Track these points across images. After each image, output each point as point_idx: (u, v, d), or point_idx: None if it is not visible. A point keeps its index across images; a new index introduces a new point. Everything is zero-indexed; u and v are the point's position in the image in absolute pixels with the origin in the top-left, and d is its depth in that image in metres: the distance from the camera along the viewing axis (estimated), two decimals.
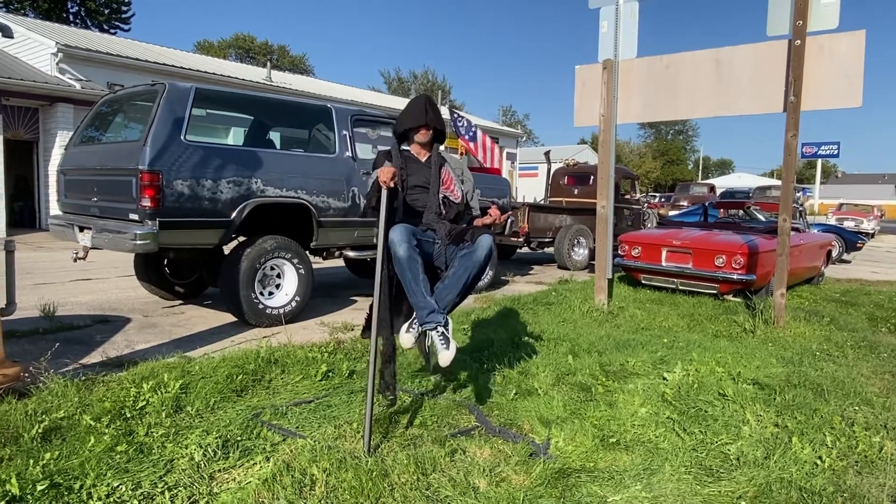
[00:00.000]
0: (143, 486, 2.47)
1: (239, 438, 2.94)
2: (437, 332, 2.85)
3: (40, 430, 2.81)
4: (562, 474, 2.62)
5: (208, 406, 3.32)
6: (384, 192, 2.78)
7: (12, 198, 14.49)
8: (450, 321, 2.94)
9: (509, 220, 8.06)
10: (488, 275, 7.61)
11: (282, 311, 5.47)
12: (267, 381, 3.77)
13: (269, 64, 21.54)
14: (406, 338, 2.94)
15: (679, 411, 3.37)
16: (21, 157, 14.66)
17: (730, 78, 5.60)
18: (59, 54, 14.26)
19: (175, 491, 2.45)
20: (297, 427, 3.10)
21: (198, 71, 17.03)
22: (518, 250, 11.63)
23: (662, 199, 32.36)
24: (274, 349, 4.24)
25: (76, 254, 5.23)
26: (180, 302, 6.52)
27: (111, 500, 2.36)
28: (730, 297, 7.12)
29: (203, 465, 2.65)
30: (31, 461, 2.52)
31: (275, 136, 6.41)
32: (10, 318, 5.20)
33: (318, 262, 6.57)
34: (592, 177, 11.65)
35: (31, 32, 14.90)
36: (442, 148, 3.37)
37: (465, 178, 3.35)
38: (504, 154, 28.69)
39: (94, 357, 4.29)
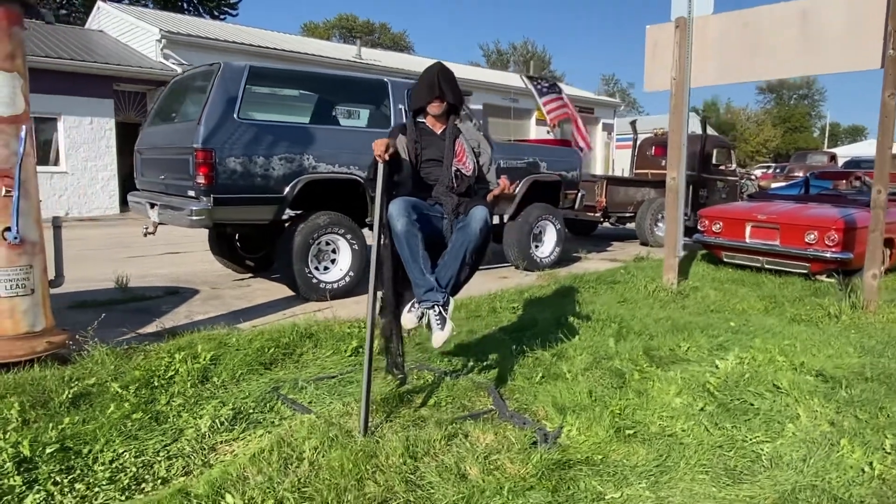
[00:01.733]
0: (147, 453, 2.56)
1: (252, 411, 3.00)
2: (434, 311, 2.74)
3: (70, 396, 2.99)
4: (561, 466, 2.45)
5: (234, 378, 3.41)
6: (380, 166, 2.68)
7: (126, 178, 15.73)
8: (451, 301, 2.82)
9: (579, 195, 7.72)
10: (556, 251, 7.35)
11: (335, 285, 5.54)
12: (297, 355, 3.83)
13: (358, 42, 21.86)
14: (408, 318, 2.85)
15: (719, 403, 3.07)
16: (133, 140, 15.83)
17: (818, 32, 4.97)
18: (163, 40, 15.19)
19: (174, 460, 2.52)
20: (311, 402, 3.11)
21: (289, 51, 17.57)
22: (600, 226, 11.17)
23: (776, 170, 29.93)
24: (312, 324, 4.30)
25: (146, 228, 5.55)
26: (250, 275, 6.79)
27: (114, 465, 2.46)
28: (823, 278, 6.45)
29: (208, 437, 2.72)
30: (52, 424, 2.69)
31: (331, 111, 6.45)
32: (90, 289, 5.65)
33: None
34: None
35: (139, 21, 15.95)
36: (466, 123, 3.21)
37: (481, 150, 3.19)
38: (598, 125, 27.63)
39: (152, 327, 4.53)
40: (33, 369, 3.24)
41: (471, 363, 3.71)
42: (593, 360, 3.68)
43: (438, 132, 3.12)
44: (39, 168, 11.31)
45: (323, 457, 2.44)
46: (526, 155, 7.05)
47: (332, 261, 5.65)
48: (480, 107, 21.65)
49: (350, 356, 3.82)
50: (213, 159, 4.84)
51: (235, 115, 5.02)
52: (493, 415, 2.99)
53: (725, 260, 7.09)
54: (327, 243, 5.58)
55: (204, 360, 3.53)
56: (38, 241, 3.40)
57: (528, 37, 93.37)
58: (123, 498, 2.25)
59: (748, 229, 6.71)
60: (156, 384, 3.23)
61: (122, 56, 14.97)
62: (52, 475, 2.34)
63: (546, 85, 9.79)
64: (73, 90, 13.86)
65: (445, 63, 3.20)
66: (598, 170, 27.44)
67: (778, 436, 2.74)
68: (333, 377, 3.46)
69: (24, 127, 3.19)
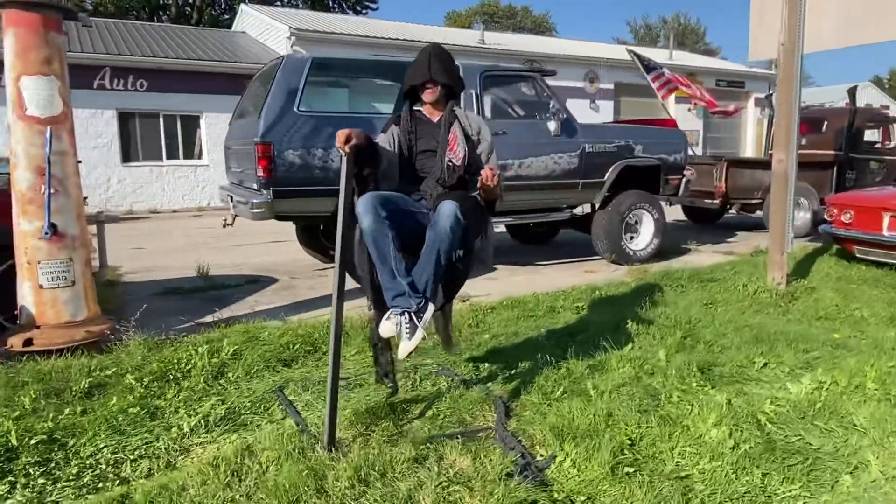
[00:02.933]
0: (126, 450, 2.58)
1: (245, 412, 2.95)
2: (405, 317, 2.48)
3: (86, 385, 3.12)
4: None
5: (247, 374, 3.39)
6: (344, 159, 2.45)
7: None
8: (430, 307, 2.54)
9: (683, 181, 6.93)
10: (653, 242, 6.68)
11: None
12: (322, 352, 3.74)
13: (482, 26, 21.61)
14: (385, 326, 2.61)
15: (765, 440, 2.52)
16: None
17: None
18: (292, 38, 15.99)
19: (143, 461, 2.51)
20: (307, 405, 3.00)
21: (409, 40, 17.76)
22: (725, 214, 10.06)
23: None
24: (351, 319, 4.20)
25: (225, 220, 5.78)
26: (332, 266, 6.89)
27: (89, 461, 2.50)
28: None
29: (187, 437, 2.69)
30: (52, 414, 2.81)
31: (386, 99, 6.30)
32: (177, 276, 6.00)
33: None
34: (827, 122, 9.49)
35: (272, 20, 16.94)
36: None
37: (481, 137, 2.85)
38: (750, 100, 25.01)
39: (211, 317, 4.68)
40: (68, 357, 3.43)
41: (496, 370, 3.40)
42: (634, 375, 3.21)
43: (435, 120, 2.84)
44: (185, 162, 12.40)
45: (275, 472, 2.30)
46: (616, 137, 6.44)
47: None
48: (582, 85, 20.58)
49: (370, 355, 3.65)
50: (272, 152, 4.90)
51: (296, 108, 5.04)
52: (488, 434, 2.68)
53: (858, 256, 6.01)
54: None
55: (226, 354, 3.56)
56: (79, 235, 3.59)
57: (680, 10, 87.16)
58: (74, 497, 2.26)
59: (887, 220, 5.61)
60: (170, 377, 3.29)
61: (258, 55, 15.98)
62: (26, 466, 2.42)
63: (650, 62, 8.93)
64: (213, 89, 15.05)
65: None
66: (750, 150, 25.01)
67: (825, 490, 2.17)
68: (345, 379, 3.32)
69: (49, 129, 3.36)
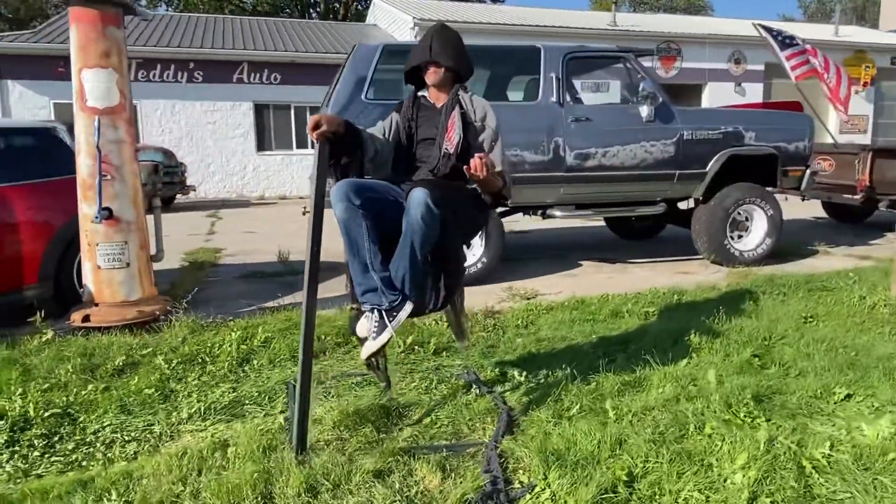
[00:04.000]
0: (124, 431, 2.66)
1: (248, 402, 2.94)
2: (374, 315, 2.30)
3: (120, 364, 3.28)
4: None
5: (271, 363, 3.40)
6: (317, 145, 2.31)
7: None
8: (406, 305, 2.33)
9: (808, 173, 6.03)
10: (765, 242, 5.89)
11: (468, 270, 5.23)
12: (352, 345, 3.67)
13: (613, 7, 20.50)
14: (361, 324, 2.45)
15: (802, 494, 2.05)
16: None
17: None
18: (416, 28, 16.17)
19: (133, 443, 2.57)
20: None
21: (533, 26, 17.29)
22: (875, 211, 8.70)
23: None
24: None
25: (304, 208, 5.90)
26: None
27: (91, 437, 2.61)
28: None
29: (183, 423, 2.72)
30: (76, 389, 2.97)
31: (476, 86, 6.03)
32: (261, 261, 6.25)
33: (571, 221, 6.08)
34: None
35: (398, 11, 17.24)
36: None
37: (486, 124, 2.58)
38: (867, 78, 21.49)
39: (273, 302, 4.79)
40: (116, 335, 3.64)
41: (522, 378, 3.11)
42: (673, 397, 2.79)
43: (439, 106, 2.62)
44: (312, 151, 13.12)
45: (233, 470, 2.24)
46: (723, 123, 5.73)
47: (469, 245, 5.33)
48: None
49: (401, 352, 3.52)
50: None
51: (363, 96, 5.00)
52: (478, 450, 2.44)
53: None
54: None
55: (257, 341, 3.60)
56: (135, 220, 3.79)
57: None
58: (55, 472, 2.35)
59: None
60: (199, 361, 3.37)
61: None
62: (33, 438, 2.57)
63: (786, 37, 7.81)
64: None
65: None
66: None
67: None
68: (362, 374, 3.22)
69: (97, 118, 3.55)
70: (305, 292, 2.31)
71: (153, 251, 4.09)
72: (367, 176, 2.53)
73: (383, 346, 2.33)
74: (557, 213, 5.59)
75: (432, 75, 2.58)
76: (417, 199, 2.14)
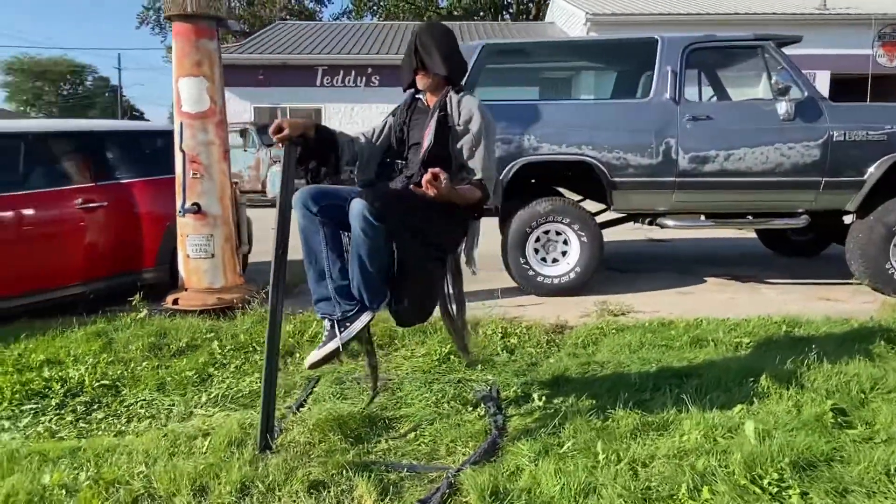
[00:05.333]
0: (150, 406, 2.93)
1: (238, 396, 3.05)
2: (326, 324, 2.25)
3: (182, 345, 3.62)
4: None
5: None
6: (284, 149, 2.30)
7: None
8: (362, 315, 2.24)
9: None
10: None
11: (558, 280, 4.95)
12: (393, 347, 3.67)
13: None
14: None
15: None
16: None
17: None
18: (588, 23, 15.62)
19: (151, 419, 2.82)
20: (326, 398, 2.96)
21: (725, 14, 15.74)
22: None
23: None
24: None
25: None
26: None
27: (124, 409, 2.92)
28: None
29: (199, 406, 2.92)
30: (133, 365, 3.33)
31: (581, 83, 5.61)
32: None
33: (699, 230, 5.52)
34: None
35: (571, 6, 16.78)
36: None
37: (469, 128, 2.38)
38: None
39: None
40: (195, 318, 4.01)
41: (542, 403, 2.85)
42: (693, 448, 2.36)
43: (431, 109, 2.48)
44: None
45: (196, 458, 2.35)
46: (889, 121, 4.70)
47: (563, 253, 5.03)
48: None
49: (436, 360, 3.43)
50: None
51: None
52: (438, 476, 2.29)
53: None
54: (557, 233, 4.99)
55: (307, 336, 3.74)
56: (221, 214, 4.14)
57: None
58: (73, 436, 2.65)
59: None
60: (249, 349, 3.59)
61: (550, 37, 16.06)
62: (77, 404, 2.94)
63: None
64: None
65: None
66: None
67: None
68: (387, 380, 3.20)
69: (181, 122, 3.91)
70: (271, 293, 2.35)
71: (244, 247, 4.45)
72: (350, 178, 2.49)
73: (329, 357, 2.28)
74: (669, 222, 5.03)
75: (421, 81, 2.45)
76: (355, 210, 2.05)
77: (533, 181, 5.37)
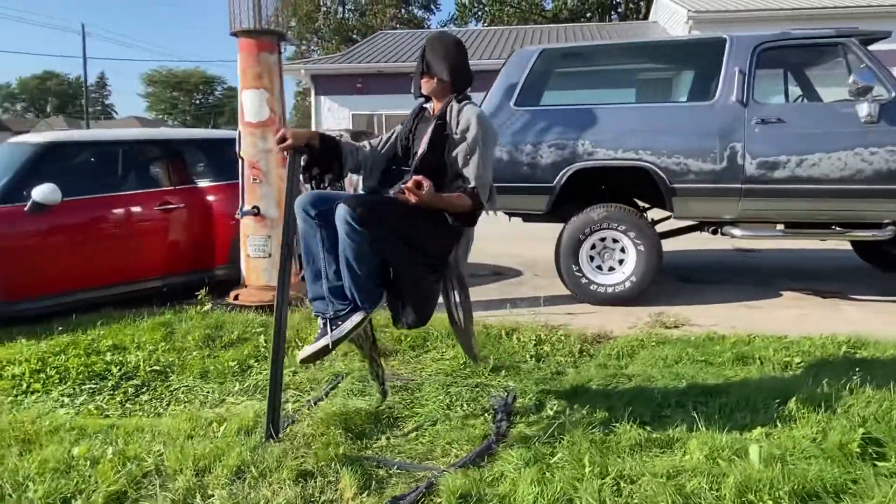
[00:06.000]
0: (191, 392, 3.20)
1: (293, 387, 3.24)
2: (320, 321, 2.36)
3: (234, 337, 3.89)
4: None
5: (345, 355, 3.66)
6: (288, 158, 2.45)
7: None
8: (354, 315, 2.33)
9: None
10: None
11: (612, 289, 4.83)
12: (423, 349, 3.75)
13: None
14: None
15: None
16: None
17: None
18: (690, 21, 14.93)
19: (187, 403, 3.07)
20: (346, 394, 3.10)
21: (841, 7, 14.47)
22: None
23: None
24: (502, 325, 4.03)
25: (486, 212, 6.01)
26: None
27: (168, 393, 3.21)
28: None
29: (231, 395, 3.15)
30: (184, 353, 3.64)
31: (682, 83, 5.37)
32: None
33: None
34: None
35: (674, 4, 16.10)
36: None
37: (465, 136, 2.41)
38: None
39: None
40: (251, 313, 4.29)
41: (555, 413, 2.82)
42: (690, 468, 2.25)
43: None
44: None
45: (209, 441, 2.54)
46: None
47: (620, 261, 4.90)
48: None
49: (461, 364, 3.48)
50: None
51: (512, 103, 4.95)
52: (424, 476, 2.34)
53: None
54: (614, 241, 4.87)
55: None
56: (278, 217, 4.41)
57: None
58: (115, 414, 2.95)
59: None
60: (292, 344, 3.80)
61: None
62: (129, 386, 3.26)
63: None
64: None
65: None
66: None
67: None
68: (409, 380, 3.29)
69: (238, 130, 4.20)
70: (277, 291, 2.50)
71: None
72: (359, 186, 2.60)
73: (319, 353, 2.38)
74: (736, 231, 4.76)
75: (425, 86, 2.53)
76: (339, 215, 2.15)
77: (603, 187, 5.28)
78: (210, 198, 5.00)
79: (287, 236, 2.48)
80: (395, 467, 2.39)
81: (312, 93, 16.46)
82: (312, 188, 2.53)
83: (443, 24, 44.50)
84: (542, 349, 3.72)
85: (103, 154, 4.62)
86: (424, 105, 2.65)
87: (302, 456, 2.41)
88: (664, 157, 4.62)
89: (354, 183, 5.27)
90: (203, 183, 5.02)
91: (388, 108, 16.16)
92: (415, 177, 2.19)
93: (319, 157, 2.49)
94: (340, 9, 47.32)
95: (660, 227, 5.19)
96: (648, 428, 2.61)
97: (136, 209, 4.67)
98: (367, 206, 2.17)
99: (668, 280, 5.78)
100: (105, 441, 2.56)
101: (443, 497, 2.12)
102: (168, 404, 3.09)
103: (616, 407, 2.84)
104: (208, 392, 3.20)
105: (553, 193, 4.85)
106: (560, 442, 2.49)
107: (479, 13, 38.00)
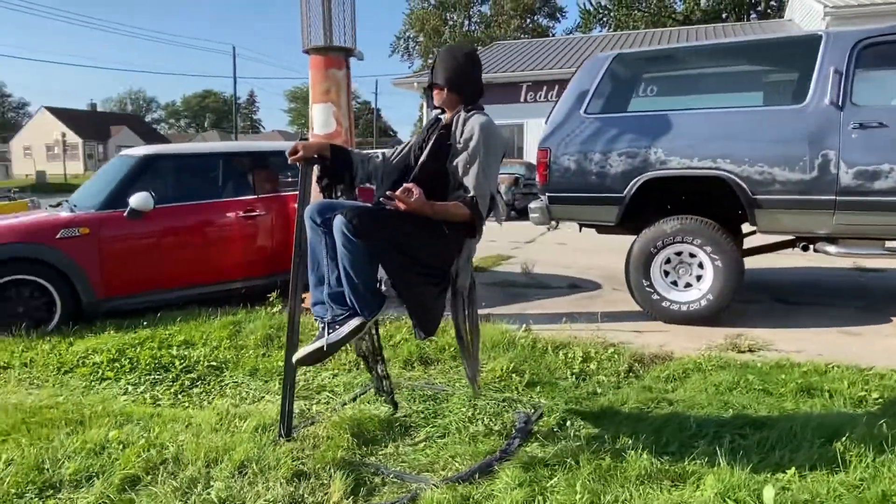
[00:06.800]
0: (238, 387, 3.41)
1: (328, 390, 3.35)
2: (319, 324, 2.41)
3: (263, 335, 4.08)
4: None
5: (387, 361, 3.72)
6: (300, 169, 2.53)
7: None
8: (351, 320, 2.35)
9: None
10: None
11: (687, 307, 4.52)
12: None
13: None
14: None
15: None
16: None
17: None
18: (827, 17, 13.62)
19: (230, 398, 3.28)
20: (353, 401, 3.17)
21: None
22: None
23: None
24: (539, 340, 3.92)
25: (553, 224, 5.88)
26: None
27: (218, 387, 3.45)
28: None
29: (269, 393, 3.32)
30: (242, 352, 3.87)
31: (723, 89, 4.89)
32: (507, 270, 6.56)
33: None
34: None
35: (809, 1, 14.77)
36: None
37: (468, 145, 2.37)
38: None
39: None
40: None
41: (573, 436, 2.70)
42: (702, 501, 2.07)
43: None
44: None
45: (229, 434, 2.70)
46: None
47: (698, 277, 4.57)
48: None
49: (497, 377, 3.42)
50: (548, 158, 4.83)
51: (582, 111, 4.79)
52: (419, 486, 2.34)
53: None
54: (692, 255, 4.56)
55: (395, 341, 3.97)
56: None
57: None
58: (167, 403, 3.21)
59: None
60: (343, 349, 3.92)
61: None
62: (186, 379, 3.53)
63: None
64: None
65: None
66: None
67: None
68: (437, 388, 3.29)
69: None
70: (290, 296, 2.61)
71: None
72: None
73: (314, 355, 2.40)
74: (831, 248, 4.28)
75: (436, 97, 2.53)
76: (335, 225, 2.20)
77: (683, 198, 4.97)
78: (291, 206, 5.29)
79: (299, 244, 2.58)
80: (392, 476, 2.40)
81: (423, 105, 16.88)
82: (325, 197, 2.61)
83: (568, 31, 43.97)
84: (587, 367, 3.56)
85: (194, 165, 5.07)
86: (440, 116, 2.65)
87: (303, 457, 2.49)
88: (745, 165, 4.26)
89: None
90: (285, 191, 5.32)
91: (498, 117, 16.10)
92: (405, 184, 2.19)
93: (331, 168, 2.57)
94: (466, 21, 48.34)
95: (749, 242, 4.79)
96: (667, 458, 2.42)
97: (221, 216, 5.05)
98: (361, 217, 2.20)
99: (761, 300, 5.32)
100: (143, 428, 2.79)
101: None
102: (214, 398, 3.31)
103: (641, 433, 2.66)
104: (252, 389, 3.39)
105: (623, 204, 4.63)
106: (564, 465, 2.38)
107: (605, 19, 37.08)
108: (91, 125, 53.32)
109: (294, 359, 2.46)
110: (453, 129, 2.45)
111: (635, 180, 4.55)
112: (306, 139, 3.09)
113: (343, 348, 2.71)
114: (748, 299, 5.29)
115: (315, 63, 4.50)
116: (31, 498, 2.26)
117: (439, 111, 2.67)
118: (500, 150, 2.48)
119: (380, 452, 2.62)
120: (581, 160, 4.73)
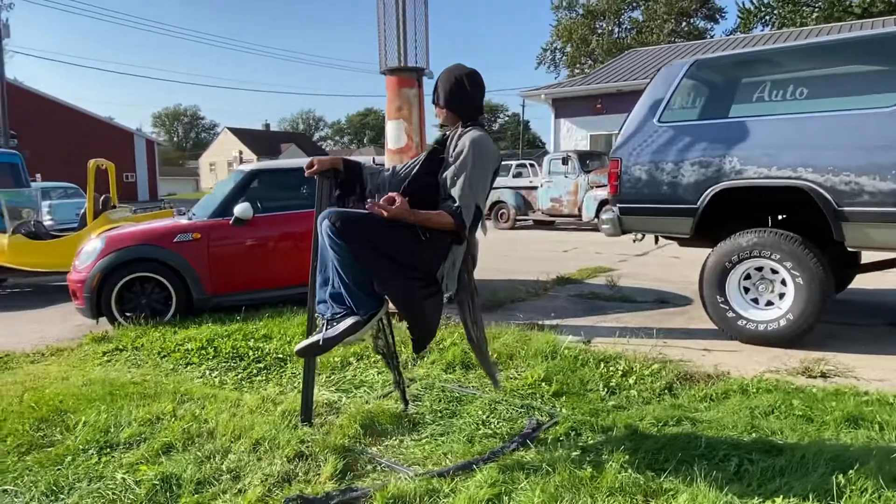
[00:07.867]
0: (294, 379, 3.77)
1: (365, 385, 3.60)
2: (321, 321, 2.65)
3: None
4: None
5: (433, 363, 3.90)
6: (316, 182, 2.80)
7: None
8: (348, 319, 2.55)
9: None
10: None
11: (765, 327, 4.21)
12: (508, 366, 3.80)
13: None
14: None
15: None
16: None
17: None
18: None
19: (284, 387, 3.64)
20: (382, 399, 3.37)
21: None
22: None
23: None
24: (584, 352, 3.88)
25: (635, 235, 5.70)
26: None
27: (280, 375, 3.83)
28: None
29: (317, 384, 3.63)
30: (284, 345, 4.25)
31: (809, 94, 4.35)
32: (596, 283, 6.46)
33: None
34: None
35: None
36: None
37: (458, 159, 2.50)
38: None
39: (553, 321, 5.06)
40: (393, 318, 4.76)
41: (580, 450, 2.71)
42: None
43: None
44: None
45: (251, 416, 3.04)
46: None
47: (781, 295, 4.25)
48: None
49: (527, 384, 3.47)
50: (619, 168, 4.74)
51: (656, 119, 4.65)
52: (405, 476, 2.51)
53: None
54: (773, 271, 4.25)
55: (449, 342, 4.13)
56: None
57: None
58: (230, 388, 3.64)
59: None
60: (346, 363, 4.12)
61: None
62: (253, 367, 3.97)
63: None
64: None
65: None
66: None
67: None
68: (466, 390, 3.42)
69: (373, 158, 4.70)
70: (309, 296, 2.90)
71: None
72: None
73: (311, 348, 2.61)
74: None
75: (438, 115, 2.69)
76: (322, 228, 2.44)
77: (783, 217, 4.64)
78: None
79: (316, 249, 2.86)
80: (384, 465, 2.59)
81: (552, 116, 16.85)
82: (338, 206, 2.87)
83: (727, 32, 41.28)
84: (625, 381, 3.48)
85: (288, 179, 5.62)
86: (447, 133, 2.80)
87: (310, 441, 2.75)
88: (830, 175, 3.90)
89: None
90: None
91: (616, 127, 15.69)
92: (389, 194, 2.39)
93: (344, 181, 2.83)
94: (616, 28, 47.17)
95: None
96: (651, 473, 2.37)
97: (294, 226, 5.52)
98: (345, 220, 2.43)
99: (873, 323, 4.78)
100: (198, 405, 3.23)
101: (377, 498, 2.26)
102: (270, 385, 3.70)
103: (642, 448, 2.60)
104: (289, 384, 3.72)
105: (696, 215, 4.42)
106: (539, 473, 2.42)
107: (767, 17, 34.38)
108: (264, 143, 59.31)
109: (295, 350, 2.73)
110: (448, 143, 2.59)
111: (708, 190, 4.34)
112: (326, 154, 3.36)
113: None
114: (855, 322, 4.79)
115: (390, 83, 4.82)
116: (92, 454, 2.74)
117: (447, 128, 2.83)
118: (489, 163, 2.58)
119: (384, 444, 2.81)
120: (653, 170, 4.59)
